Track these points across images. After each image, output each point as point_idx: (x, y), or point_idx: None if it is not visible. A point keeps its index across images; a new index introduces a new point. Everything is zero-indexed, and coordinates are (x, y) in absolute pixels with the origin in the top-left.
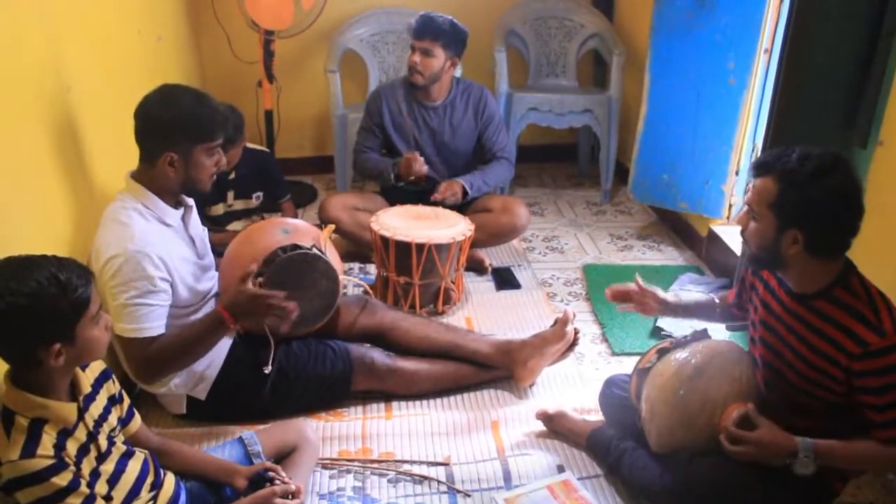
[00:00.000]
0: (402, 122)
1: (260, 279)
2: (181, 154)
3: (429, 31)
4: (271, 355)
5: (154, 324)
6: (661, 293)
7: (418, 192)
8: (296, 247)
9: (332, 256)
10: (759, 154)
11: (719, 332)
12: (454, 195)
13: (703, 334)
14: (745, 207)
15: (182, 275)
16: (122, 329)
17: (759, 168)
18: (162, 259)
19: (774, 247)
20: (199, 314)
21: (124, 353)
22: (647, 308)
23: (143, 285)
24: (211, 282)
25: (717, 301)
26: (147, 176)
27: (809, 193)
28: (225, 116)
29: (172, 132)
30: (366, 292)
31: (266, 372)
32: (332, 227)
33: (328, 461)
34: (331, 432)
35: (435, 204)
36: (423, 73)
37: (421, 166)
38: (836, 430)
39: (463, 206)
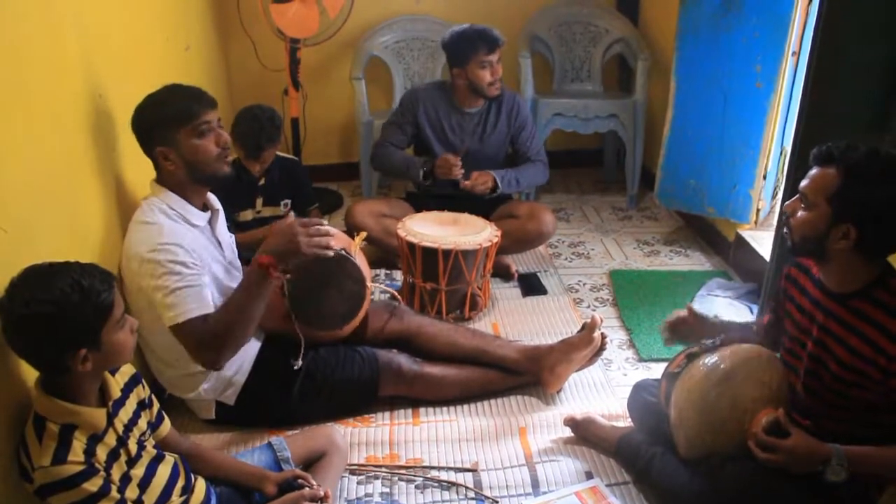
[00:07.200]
0: (439, 123)
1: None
2: (168, 145)
3: (498, 40)
4: (301, 352)
5: (199, 303)
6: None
7: (445, 197)
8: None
9: (361, 263)
10: (787, 158)
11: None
12: (485, 184)
13: (733, 339)
14: (797, 195)
15: (213, 270)
16: (170, 318)
17: (822, 158)
18: (193, 249)
19: (821, 239)
20: None
21: (183, 344)
22: (700, 335)
23: (180, 270)
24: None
25: (754, 329)
26: (164, 179)
27: (875, 192)
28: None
29: (149, 130)
30: (393, 298)
31: (295, 368)
32: (364, 234)
33: (356, 467)
34: (358, 438)
35: (463, 194)
36: (499, 81)
37: (459, 170)
38: (868, 435)
39: (489, 211)
